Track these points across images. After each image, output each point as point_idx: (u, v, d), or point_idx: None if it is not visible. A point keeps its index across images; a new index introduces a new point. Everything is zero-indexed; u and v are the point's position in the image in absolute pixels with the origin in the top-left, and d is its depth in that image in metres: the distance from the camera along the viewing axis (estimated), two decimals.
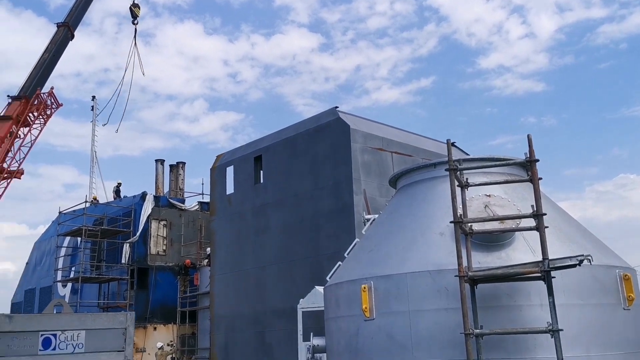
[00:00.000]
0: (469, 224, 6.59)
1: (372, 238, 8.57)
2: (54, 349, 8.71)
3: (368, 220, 10.45)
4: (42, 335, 8.63)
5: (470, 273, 6.23)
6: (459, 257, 6.23)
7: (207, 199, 28.35)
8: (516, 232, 6.82)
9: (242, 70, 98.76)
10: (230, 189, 22.01)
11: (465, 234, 6.53)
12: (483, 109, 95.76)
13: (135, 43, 33.18)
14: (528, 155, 6.53)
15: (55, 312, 9.84)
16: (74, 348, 8.80)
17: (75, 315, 9.59)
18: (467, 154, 21.97)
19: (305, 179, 18.88)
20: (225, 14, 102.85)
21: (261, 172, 20.98)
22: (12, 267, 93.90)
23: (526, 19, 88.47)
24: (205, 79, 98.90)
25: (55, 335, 8.71)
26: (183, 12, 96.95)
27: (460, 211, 6.56)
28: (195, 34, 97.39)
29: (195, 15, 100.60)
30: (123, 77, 33.65)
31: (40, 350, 8.63)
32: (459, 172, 6.79)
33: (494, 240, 6.86)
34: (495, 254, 6.83)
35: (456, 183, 6.70)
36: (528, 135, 6.46)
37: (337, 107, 19.13)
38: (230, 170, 22.16)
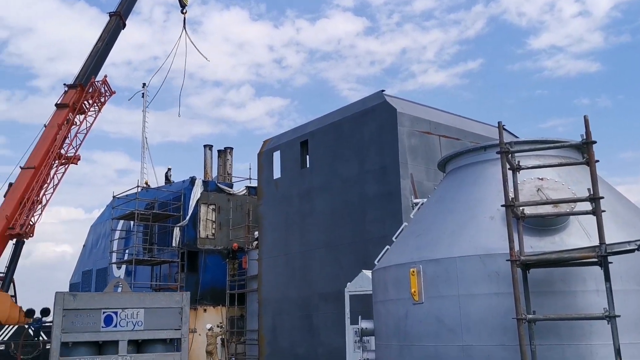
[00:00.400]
0: (521, 208, 6.47)
1: (421, 222, 8.52)
2: (115, 326, 9.08)
3: (416, 204, 10.38)
4: (104, 312, 9.02)
5: (522, 257, 6.12)
6: (511, 241, 6.13)
7: (254, 183, 28.68)
8: (571, 216, 6.66)
9: (288, 55, 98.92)
10: (277, 173, 22.21)
11: (517, 217, 6.41)
12: (533, 91, 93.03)
13: (185, 31, 33.63)
14: (584, 137, 6.33)
15: (116, 291, 10.22)
16: (134, 325, 9.15)
17: (134, 294, 9.97)
18: (517, 137, 21.47)
19: (351, 164, 18.85)
20: None
21: (307, 156, 21.06)
22: (69, 249, 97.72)
23: None
24: (251, 65, 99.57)
25: (116, 313, 9.08)
26: None
27: (511, 194, 6.45)
28: (241, 20, 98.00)
29: (240, 2, 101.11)
30: (170, 65, 34.17)
31: (102, 327, 9.02)
32: (510, 155, 6.66)
33: (547, 225, 6.72)
34: (548, 239, 6.68)
35: (507, 166, 6.57)
36: (585, 117, 6.27)
37: (383, 90, 18.96)
38: (277, 155, 22.34)
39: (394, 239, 9.61)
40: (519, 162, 6.74)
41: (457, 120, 20.27)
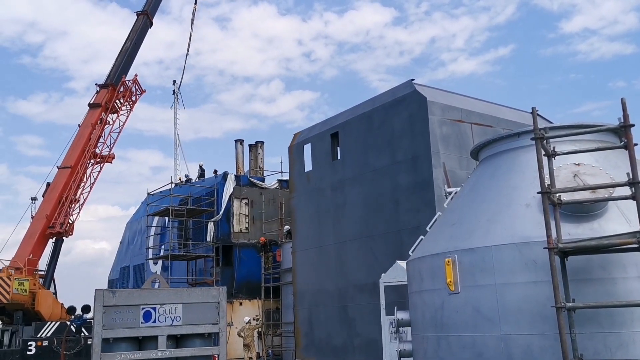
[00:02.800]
0: (558, 194, 6.34)
1: (455, 211, 8.43)
2: (154, 321, 9.24)
3: (449, 193, 10.27)
4: (143, 308, 9.18)
5: (560, 245, 6.01)
6: (548, 228, 6.02)
7: (286, 176, 28.83)
8: (609, 202, 6.50)
9: (316, 48, 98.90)
10: (308, 166, 22.26)
11: (554, 204, 6.29)
12: (567, 76, 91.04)
13: (192, 22, 34.11)
14: (622, 120, 6.16)
15: (153, 286, 10.40)
16: (172, 321, 9.30)
17: (172, 289, 10.12)
18: (551, 122, 21.04)
19: (382, 154, 18.76)
20: None
21: (338, 148, 21.04)
22: (107, 246, 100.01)
23: None
24: (280, 60, 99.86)
25: (154, 309, 9.23)
26: None
27: (547, 181, 6.33)
28: (269, 15, 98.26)
29: None
30: (186, 60, 34.57)
31: (141, 322, 9.19)
32: (545, 141, 6.53)
33: (584, 211, 6.58)
34: (586, 225, 6.54)
35: (542, 152, 6.44)
36: (622, 99, 6.10)
37: (413, 79, 18.78)
38: (307, 148, 22.37)
39: (427, 229, 9.55)
40: (554, 147, 6.61)
41: (489, 107, 19.97)
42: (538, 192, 6.34)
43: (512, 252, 6.71)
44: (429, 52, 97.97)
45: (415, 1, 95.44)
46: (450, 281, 7.21)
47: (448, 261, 7.28)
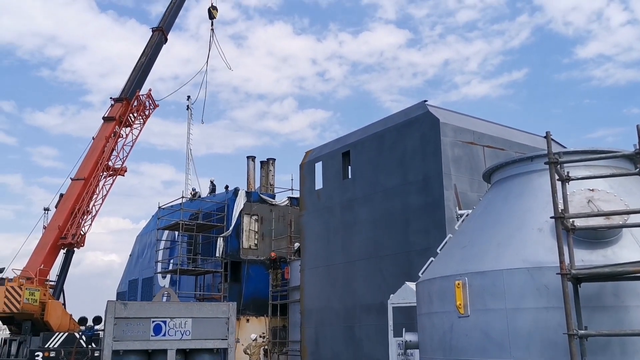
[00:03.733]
0: (571, 220, 6.32)
1: (466, 233, 8.41)
2: (164, 335, 9.26)
3: (461, 215, 10.26)
4: (153, 321, 9.21)
5: (573, 271, 5.98)
6: (561, 254, 5.99)
7: (296, 194, 28.85)
8: (624, 229, 6.47)
9: (330, 68, 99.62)
10: (319, 184, 22.28)
11: (567, 230, 6.27)
12: (581, 101, 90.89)
13: (212, 41, 34.39)
14: (637, 147, 6.16)
15: (163, 300, 10.41)
16: (182, 335, 9.31)
17: (182, 304, 10.13)
18: (564, 147, 20.96)
19: (393, 174, 18.76)
20: (314, 13, 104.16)
21: (349, 167, 21.07)
22: (117, 258, 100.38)
23: (628, 4, 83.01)
24: (294, 78, 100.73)
25: (165, 322, 9.26)
26: (273, 13, 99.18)
27: (561, 206, 6.31)
28: (285, 34, 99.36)
29: (284, 17, 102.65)
30: (205, 76, 34.87)
31: (152, 335, 9.21)
32: (559, 166, 6.52)
33: (598, 237, 6.54)
34: (600, 252, 6.51)
35: (556, 177, 6.44)
36: (637, 126, 6.10)
37: (426, 100, 18.84)
38: (319, 166, 22.42)
39: (438, 250, 9.53)
40: (568, 172, 6.60)
41: (501, 130, 19.95)
42: (551, 217, 6.33)
43: (524, 276, 6.67)
44: (442, 74, 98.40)
45: (429, 24, 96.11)
46: (460, 304, 7.17)
47: (458, 284, 7.25)
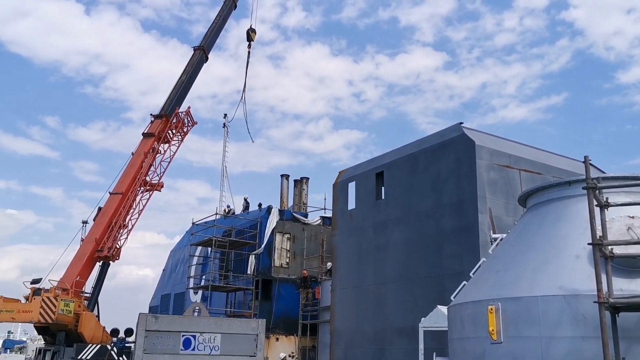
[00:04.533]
0: (610, 247, 6.16)
1: (500, 258, 8.27)
2: (193, 349, 9.32)
3: (495, 239, 10.10)
4: (183, 335, 9.29)
5: (611, 300, 5.80)
6: (599, 282, 5.83)
7: (329, 213, 28.84)
8: None
9: (366, 89, 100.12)
10: (351, 204, 22.24)
11: (606, 257, 6.10)
12: (622, 126, 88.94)
13: (247, 64, 34.98)
14: None
15: (194, 315, 10.50)
16: (211, 350, 9.36)
17: (212, 319, 10.20)
18: (604, 173, 20.47)
19: (427, 196, 18.61)
20: (351, 35, 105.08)
21: (382, 188, 20.98)
22: (151, 273, 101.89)
23: None
24: (330, 99, 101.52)
25: (194, 337, 9.32)
26: (311, 35, 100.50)
27: (599, 232, 6.16)
28: (322, 55, 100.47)
29: (322, 38, 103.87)
30: (243, 95, 35.40)
31: (181, 349, 9.29)
32: (597, 191, 6.38)
33: (638, 266, 6.35)
34: (639, 281, 6.31)
35: (595, 202, 6.30)
36: None
37: (461, 122, 18.70)
38: (352, 186, 22.40)
39: (471, 274, 9.38)
40: (607, 198, 6.45)
41: (539, 154, 19.63)
42: (589, 244, 6.18)
43: (560, 304, 6.51)
44: (479, 97, 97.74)
45: (467, 46, 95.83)
46: (493, 330, 7.03)
47: (491, 309, 7.11)
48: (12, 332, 73.76)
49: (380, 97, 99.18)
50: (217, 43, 32.19)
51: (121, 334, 23.55)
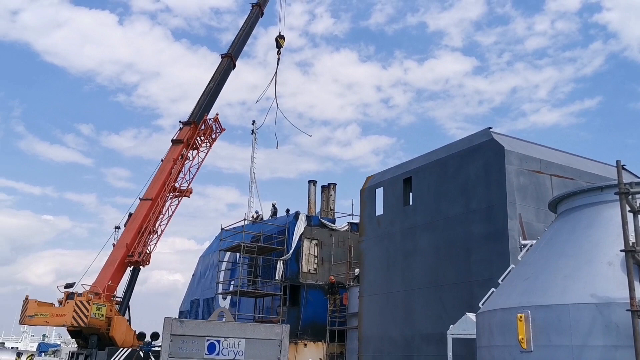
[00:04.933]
0: None
1: (530, 265, 8.12)
2: (218, 354, 9.39)
3: (525, 246, 9.94)
4: (207, 340, 9.36)
5: None
6: (631, 289, 5.69)
7: (356, 219, 28.77)
8: None
9: (395, 95, 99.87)
10: (379, 210, 22.14)
11: (639, 264, 5.95)
12: None
13: (276, 72, 35.16)
14: None
15: (219, 320, 10.57)
16: (235, 355, 9.41)
17: (236, 324, 10.25)
18: (638, 177, 19.98)
19: (456, 202, 18.42)
20: (380, 41, 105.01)
21: (410, 193, 20.84)
22: (181, 278, 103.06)
23: None
24: (358, 105, 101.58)
25: (219, 341, 9.39)
26: (339, 41, 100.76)
27: (632, 239, 6.01)
28: (350, 61, 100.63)
29: (350, 44, 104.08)
30: (274, 102, 35.61)
31: (205, 354, 9.38)
32: (630, 197, 6.23)
33: None
34: None
35: (627, 208, 6.15)
36: None
37: (490, 127, 18.48)
38: (379, 192, 22.30)
39: (500, 281, 9.24)
40: None
41: (570, 159, 19.27)
42: (621, 250, 6.03)
43: (592, 312, 6.36)
44: (510, 102, 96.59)
45: (497, 51, 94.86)
46: (523, 338, 6.90)
47: (521, 317, 6.98)
48: (47, 336, 75.42)
49: (409, 103, 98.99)
50: (245, 50, 32.55)
51: (147, 338, 23.85)
